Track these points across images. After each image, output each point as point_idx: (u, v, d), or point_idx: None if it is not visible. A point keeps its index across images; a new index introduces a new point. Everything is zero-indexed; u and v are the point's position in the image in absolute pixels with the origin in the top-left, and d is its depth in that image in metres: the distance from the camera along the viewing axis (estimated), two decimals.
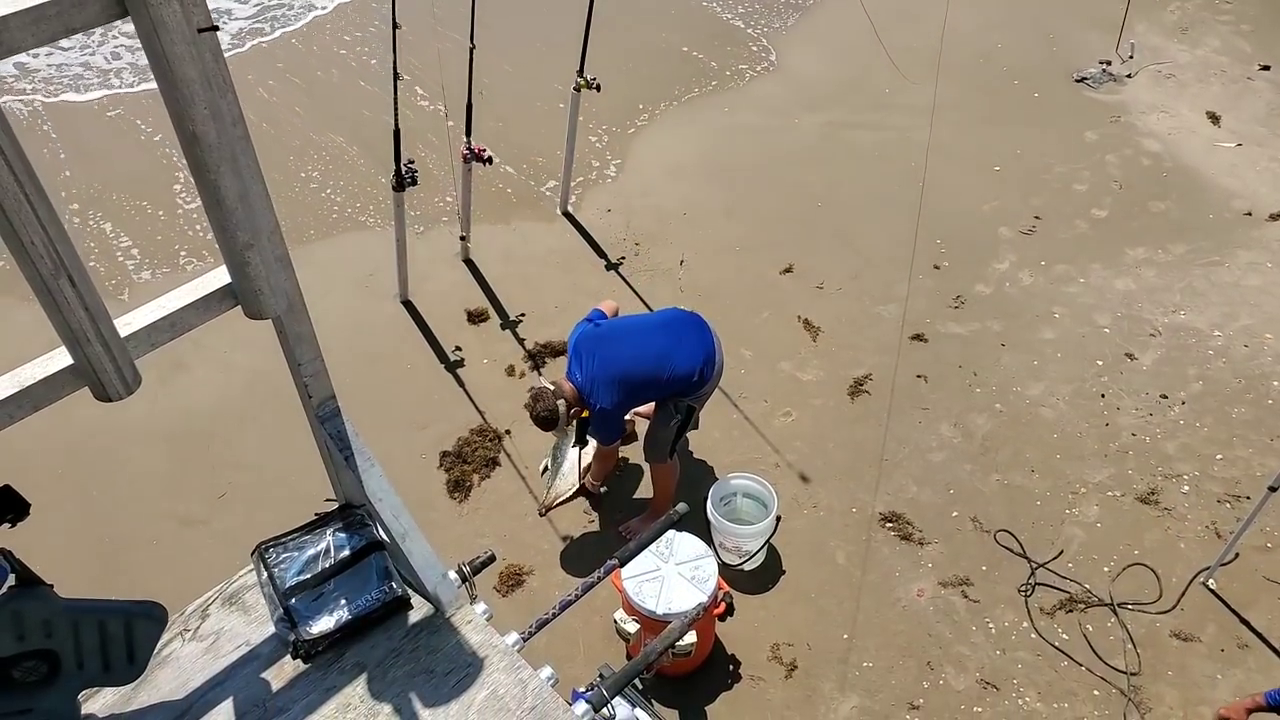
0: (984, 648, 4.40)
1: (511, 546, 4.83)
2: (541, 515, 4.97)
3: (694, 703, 4.25)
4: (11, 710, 1.81)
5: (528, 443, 5.29)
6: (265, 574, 2.25)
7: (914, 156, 7.11)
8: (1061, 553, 4.74)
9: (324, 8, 9.30)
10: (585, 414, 4.42)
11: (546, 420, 4.29)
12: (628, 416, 5.05)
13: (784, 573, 4.72)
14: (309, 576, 2.24)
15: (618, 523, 4.94)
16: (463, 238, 6.31)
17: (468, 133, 5.65)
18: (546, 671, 2.20)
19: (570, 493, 5.04)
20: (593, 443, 4.90)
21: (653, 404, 4.63)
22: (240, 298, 1.85)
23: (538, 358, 5.74)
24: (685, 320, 4.52)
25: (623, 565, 2.84)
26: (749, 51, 8.68)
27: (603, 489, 5.09)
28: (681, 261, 6.39)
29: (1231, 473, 5.06)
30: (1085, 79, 8.10)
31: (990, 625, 4.48)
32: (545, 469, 5.11)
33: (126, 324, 1.75)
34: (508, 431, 5.36)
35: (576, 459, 5.03)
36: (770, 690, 4.28)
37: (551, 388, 4.29)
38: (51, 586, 1.79)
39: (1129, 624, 4.45)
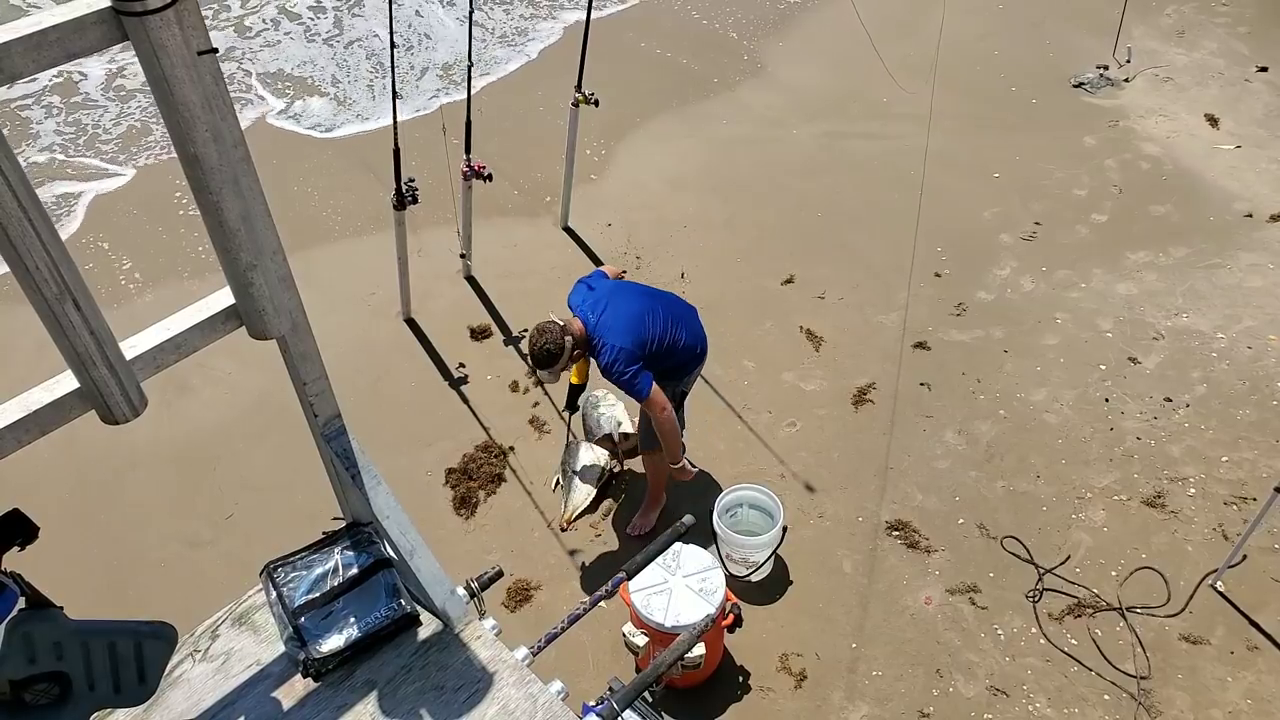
0: (993, 654, 4.39)
1: (519, 561, 4.83)
2: (564, 530, 4.96)
3: (704, 715, 4.24)
4: None
5: (533, 458, 5.30)
6: (274, 593, 2.26)
7: (913, 165, 7.13)
8: (1069, 558, 4.74)
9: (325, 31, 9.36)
10: (583, 364, 4.32)
11: (549, 355, 4.05)
12: (625, 430, 5.05)
13: (791, 583, 4.72)
14: (318, 595, 2.25)
15: (623, 526, 4.98)
16: (464, 255, 6.32)
17: (467, 150, 5.67)
18: (556, 685, 2.20)
19: (587, 503, 5.03)
20: (599, 449, 4.92)
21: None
22: (244, 318, 1.87)
23: None
24: (688, 307, 4.52)
25: (630, 578, 2.85)
26: (745, 63, 8.71)
27: (694, 468, 4.55)
28: (682, 275, 6.40)
29: (1237, 474, 5.05)
30: (1083, 84, 8.12)
31: (999, 632, 4.47)
32: (557, 484, 5.10)
33: (132, 346, 1.76)
34: (512, 447, 5.37)
35: (596, 477, 5.02)
36: (780, 701, 4.27)
37: (561, 323, 4.08)
38: (62, 609, 1.80)
39: (1138, 628, 4.44)
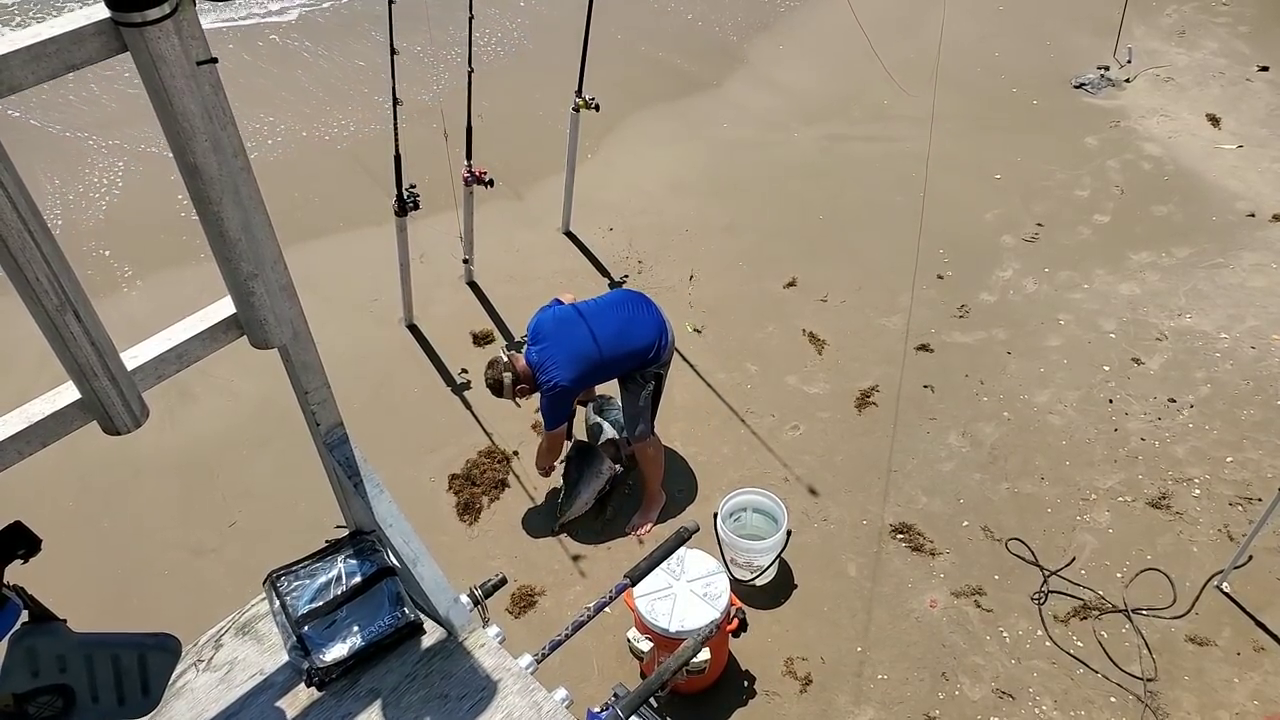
0: (998, 657, 4.38)
1: (522, 568, 4.82)
2: (556, 533, 4.96)
3: None
4: None
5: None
6: (277, 602, 2.25)
7: (914, 167, 7.13)
8: (1074, 560, 4.73)
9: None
10: (527, 391, 4.61)
11: (491, 387, 4.62)
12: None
13: (796, 587, 4.71)
14: (321, 604, 2.25)
15: (625, 527, 4.99)
16: (466, 260, 6.32)
17: (468, 156, 5.67)
18: (561, 693, 2.19)
19: (588, 508, 5.01)
20: (603, 454, 4.93)
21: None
22: (245, 328, 1.86)
23: None
24: (635, 299, 4.74)
25: (634, 584, 2.84)
26: (745, 66, 8.71)
27: (562, 466, 5.12)
28: (691, 277, 6.40)
29: (1242, 475, 5.04)
30: (1084, 85, 8.12)
31: (1004, 634, 4.46)
32: (562, 493, 5.08)
33: (133, 356, 1.76)
34: (515, 453, 5.36)
35: (599, 482, 5.00)
36: (785, 705, 4.26)
37: (506, 359, 4.55)
38: (65, 621, 1.79)
39: (1144, 630, 4.43)
